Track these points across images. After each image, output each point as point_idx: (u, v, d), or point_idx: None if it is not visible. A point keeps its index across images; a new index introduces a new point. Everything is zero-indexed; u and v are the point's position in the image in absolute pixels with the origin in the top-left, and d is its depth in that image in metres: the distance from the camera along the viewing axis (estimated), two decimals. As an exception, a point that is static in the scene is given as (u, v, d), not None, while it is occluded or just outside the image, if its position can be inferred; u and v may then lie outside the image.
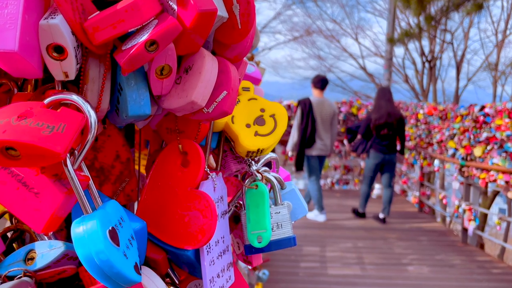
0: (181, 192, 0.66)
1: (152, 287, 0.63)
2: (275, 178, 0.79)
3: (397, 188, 8.83)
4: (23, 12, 0.51)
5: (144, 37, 0.55)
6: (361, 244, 5.84)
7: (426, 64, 11.38)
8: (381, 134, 5.99)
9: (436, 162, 6.72)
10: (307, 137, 5.97)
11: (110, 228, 0.53)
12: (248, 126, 0.74)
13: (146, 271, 0.64)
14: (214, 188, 0.71)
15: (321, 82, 5.97)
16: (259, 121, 0.75)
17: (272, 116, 0.75)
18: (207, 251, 0.68)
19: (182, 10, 0.57)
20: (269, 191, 0.79)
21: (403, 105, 8.35)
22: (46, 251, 0.62)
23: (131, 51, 0.54)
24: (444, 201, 6.77)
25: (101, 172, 0.72)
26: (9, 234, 0.72)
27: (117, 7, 0.54)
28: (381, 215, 6.62)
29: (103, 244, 0.50)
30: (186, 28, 0.57)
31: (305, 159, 6.16)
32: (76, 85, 0.61)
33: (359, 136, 6.47)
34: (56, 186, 0.54)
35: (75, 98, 0.55)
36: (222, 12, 0.61)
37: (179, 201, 0.66)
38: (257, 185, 0.76)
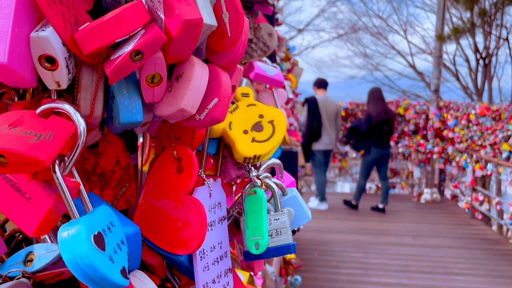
0: (175, 198, 0.69)
1: (144, 290, 0.66)
2: (276, 184, 0.81)
3: (447, 193, 8.58)
4: (12, 25, 0.55)
5: (129, 47, 0.58)
6: (407, 251, 5.72)
7: (481, 61, 10.95)
8: (382, 130, 6.80)
9: (489, 165, 6.49)
10: (313, 131, 6.91)
11: (96, 233, 0.56)
12: (245, 132, 0.76)
13: (139, 274, 0.67)
14: (210, 194, 0.73)
15: (323, 83, 7.12)
16: (257, 127, 0.76)
17: (271, 122, 0.77)
18: (201, 256, 0.70)
19: (169, 20, 0.60)
20: (271, 197, 0.81)
21: (453, 104, 8.10)
22: (43, 253, 0.66)
23: (116, 61, 0.57)
24: (498, 207, 6.53)
25: (102, 177, 0.76)
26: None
27: (104, 18, 0.58)
28: (380, 205, 7.46)
29: (87, 248, 0.54)
30: (172, 37, 0.60)
31: (312, 153, 7.13)
32: (71, 93, 0.64)
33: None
34: (45, 192, 0.58)
35: (66, 107, 0.59)
36: (210, 21, 0.63)
37: (173, 207, 0.69)
38: (255, 191, 0.77)
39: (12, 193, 0.58)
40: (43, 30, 0.57)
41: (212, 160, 0.84)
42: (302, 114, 6.84)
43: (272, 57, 2.10)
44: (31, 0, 0.58)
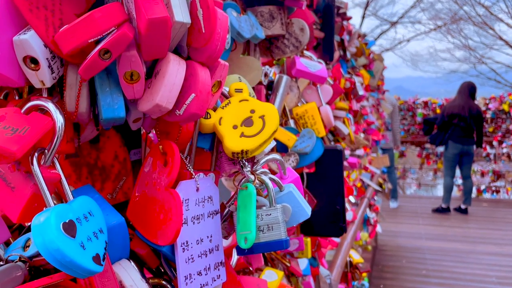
0: (160, 190, 0.74)
1: (127, 278, 0.71)
2: (271, 179, 0.83)
3: None
4: (-7, 31, 0.62)
5: (99, 46, 0.63)
6: (509, 262, 5.37)
7: None
8: (453, 122, 6.78)
9: None
10: None
11: (67, 220, 0.62)
12: (235, 127, 0.78)
13: (124, 263, 0.73)
14: (198, 188, 0.77)
15: None
16: (247, 122, 0.79)
17: (262, 117, 0.79)
18: (183, 248, 0.74)
19: (138, 19, 0.64)
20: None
21: None
22: (37, 239, 0.73)
23: (86, 60, 0.63)
24: None
25: (103, 171, 0.83)
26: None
27: (77, 20, 0.64)
28: (463, 206, 7.35)
29: (54, 234, 0.60)
30: (142, 35, 0.65)
31: None
32: (61, 91, 0.72)
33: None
34: (26, 182, 0.65)
35: (48, 104, 0.66)
36: (183, 18, 0.67)
37: (157, 199, 0.73)
38: (247, 186, 0.80)
39: (0, 182, 0.66)
40: (24, 33, 0.64)
41: (216, 156, 0.88)
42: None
43: (323, 48, 2.09)
44: (16, 6, 0.65)
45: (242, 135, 0.77)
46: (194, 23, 0.69)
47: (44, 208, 0.66)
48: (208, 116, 0.80)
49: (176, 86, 0.68)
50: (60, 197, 0.80)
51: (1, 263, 0.75)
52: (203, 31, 0.69)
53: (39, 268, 0.76)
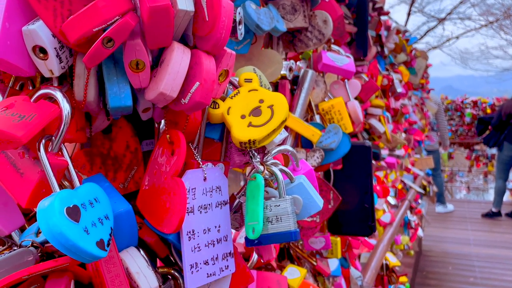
0: (166, 179, 0.76)
1: (133, 265, 0.73)
2: (281, 170, 0.83)
3: None
4: (3, 21, 0.66)
5: (103, 35, 0.66)
6: None
7: None
8: (511, 122, 6.48)
9: None
10: None
11: (71, 205, 0.65)
12: (243, 117, 0.79)
13: (132, 251, 0.75)
14: (205, 178, 0.79)
15: None
16: (256, 112, 0.79)
17: (270, 107, 0.79)
18: (189, 236, 0.76)
19: (141, 7, 0.67)
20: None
21: None
22: (49, 226, 0.77)
23: (90, 49, 0.66)
24: None
25: (115, 161, 0.85)
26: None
27: (82, 9, 0.66)
28: None
29: (57, 218, 0.62)
30: (145, 23, 0.67)
31: None
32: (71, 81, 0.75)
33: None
34: (34, 168, 0.68)
35: (56, 93, 0.69)
36: (186, 6, 0.69)
37: (164, 188, 0.75)
38: (255, 177, 0.81)
39: (10, 168, 0.70)
40: (33, 23, 0.68)
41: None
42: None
43: (356, 44, 2.07)
44: (25, -2, 0.68)
45: (250, 124, 0.78)
46: (198, 11, 0.71)
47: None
48: (217, 106, 0.81)
49: (180, 74, 0.70)
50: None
51: (15, 248, 0.79)
52: (207, 19, 0.70)
53: (53, 254, 0.79)
